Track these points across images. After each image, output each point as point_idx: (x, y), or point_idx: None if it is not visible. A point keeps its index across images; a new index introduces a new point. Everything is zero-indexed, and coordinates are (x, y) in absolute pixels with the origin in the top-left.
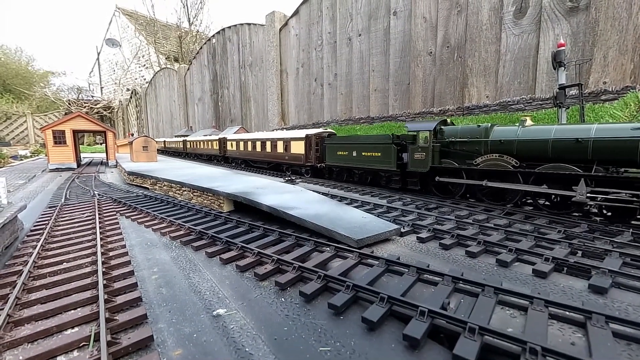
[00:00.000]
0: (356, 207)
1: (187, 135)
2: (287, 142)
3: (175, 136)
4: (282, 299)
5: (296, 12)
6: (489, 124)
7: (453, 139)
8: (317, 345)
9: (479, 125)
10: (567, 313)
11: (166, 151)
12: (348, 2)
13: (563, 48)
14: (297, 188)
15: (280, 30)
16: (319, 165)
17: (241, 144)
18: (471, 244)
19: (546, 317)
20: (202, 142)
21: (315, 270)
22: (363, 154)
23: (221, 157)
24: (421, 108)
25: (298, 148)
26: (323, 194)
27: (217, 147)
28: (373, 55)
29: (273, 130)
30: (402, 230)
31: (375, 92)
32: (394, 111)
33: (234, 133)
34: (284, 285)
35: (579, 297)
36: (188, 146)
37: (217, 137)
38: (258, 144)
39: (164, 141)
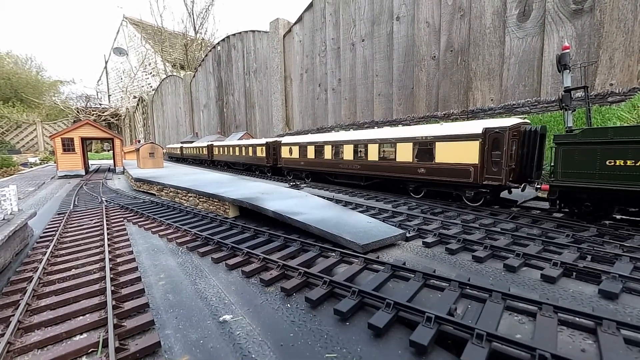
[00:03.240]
0: (361, 211)
1: (192, 142)
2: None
3: (181, 142)
4: (288, 305)
5: (300, 19)
6: None
7: None
8: (323, 351)
9: None
10: (577, 319)
11: (183, 159)
12: (351, 8)
13: (568, 51)
14: (302, 193)
15: (284, 36)
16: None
17: (310, 149)
18: (478, 248)
19: (555, 323)
20: (237, 148)
21: (320, 275)
22: None
23: (269, 168)
24: (425, 112)
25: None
26: (328, 198)
27: (264, 154)
28: (376, 60)
29: (384, 127)
30: (408, 235)
31: (379, 97)
32: (398, 115)
33: (238, 139)
34: (289, 291)
35: (589, 302)
36: (216, 152)
37: (263, 142)
38: (373, 149)
39: (180, 147)
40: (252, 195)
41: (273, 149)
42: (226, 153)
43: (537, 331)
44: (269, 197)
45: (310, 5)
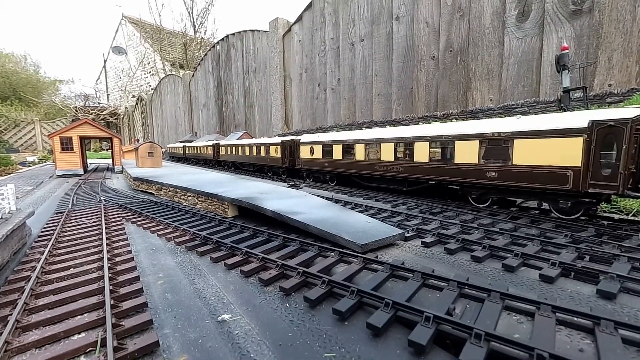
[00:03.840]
0: (360, 211)
1: (191, 141)
2: None
3: (181, 141)
4: (287, 305)
5: (299, 19)
6: None
7: None
8: (321, 351)
9: None
10: (575, 319)
11: (186, 159)
12: (351, 8)
13: (566, 51)
14: (301, 193)
15: (284, 36)
16: None
17: (337, 149)
18: (476, 248)
19: (554, 323)
20: (247, 148)
21: (319, 275)
22: None
23: (285, 170)
24: (424, 112)
25: None
26: (327, 198)
27: (279, 155)
28: (376, 60)
29: (433, 123)
30: (407, 234)
31: (379, 97)
32: (397, 115)
33: (237, 139)
34: (288, 290)
35: (587, 302)
36: (222, 152)
37: (278, 141)
38: (421, 148)
39: (183, 146)
40: (251, 195)
41: (290, 148)
42: (234, 153)
43: (535, 331)
44: (268, 197)
45: (310, 5)
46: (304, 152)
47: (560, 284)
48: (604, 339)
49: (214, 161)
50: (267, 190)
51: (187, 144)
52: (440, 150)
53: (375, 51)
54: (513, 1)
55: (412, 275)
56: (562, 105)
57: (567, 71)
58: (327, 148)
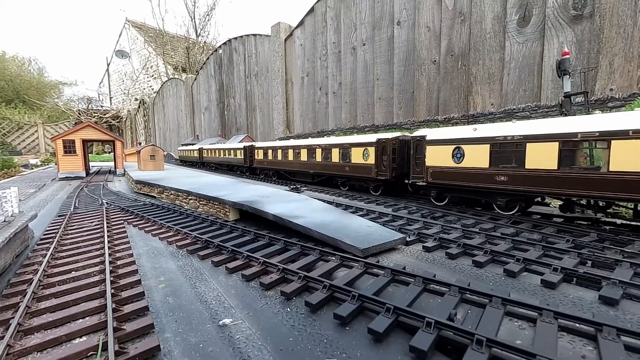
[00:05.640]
0: (361, 215)
1: (193, 144)
2: None
3: (182, 144)
4: (288, 309)
5: (301, 23)
6: None
7: None
8: (323, 356)
9: None
10: (577, 325)
11: (202, 164)
12: (352, 12)
13: (567, 56)
14: (302, 197)
15: (286, 40)
16: None
17: (549, 151)
18: (478, 253)
19: (556, 329)
20: (304, 151)
21: (320, 279)
22: None
23: (381, 183)
24: (426, 116)
25: None
26: (328, 202)
27: (371, 161)
28: (377, 64)
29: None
30: (408, 239)
31: (380, 101)
32: (399, 119)
33: (239, 142)
34: (289, 295)
35: (589, 308)
36: (258, 157)
37: (369, 140)
38: None
39: (200, 149)
40: (253, 199)
41: (393, 151)
42: (280, 158)
43: (537, 337)
44: (269, 201)
45: (312, 10)
46: (435, 156)
47: (562, 289)
48: (607, 346)
49: (246, 168)
50: (268, 194)
51: (207, 146)
52: None
53: (376, 55)
54: (514, 6)
55: (413, 280)
56: (563, 110)
57: (568, 76)
58: (507, 149)
